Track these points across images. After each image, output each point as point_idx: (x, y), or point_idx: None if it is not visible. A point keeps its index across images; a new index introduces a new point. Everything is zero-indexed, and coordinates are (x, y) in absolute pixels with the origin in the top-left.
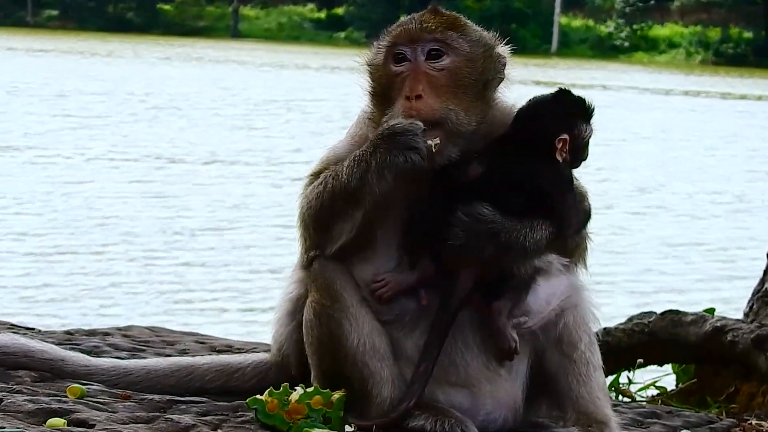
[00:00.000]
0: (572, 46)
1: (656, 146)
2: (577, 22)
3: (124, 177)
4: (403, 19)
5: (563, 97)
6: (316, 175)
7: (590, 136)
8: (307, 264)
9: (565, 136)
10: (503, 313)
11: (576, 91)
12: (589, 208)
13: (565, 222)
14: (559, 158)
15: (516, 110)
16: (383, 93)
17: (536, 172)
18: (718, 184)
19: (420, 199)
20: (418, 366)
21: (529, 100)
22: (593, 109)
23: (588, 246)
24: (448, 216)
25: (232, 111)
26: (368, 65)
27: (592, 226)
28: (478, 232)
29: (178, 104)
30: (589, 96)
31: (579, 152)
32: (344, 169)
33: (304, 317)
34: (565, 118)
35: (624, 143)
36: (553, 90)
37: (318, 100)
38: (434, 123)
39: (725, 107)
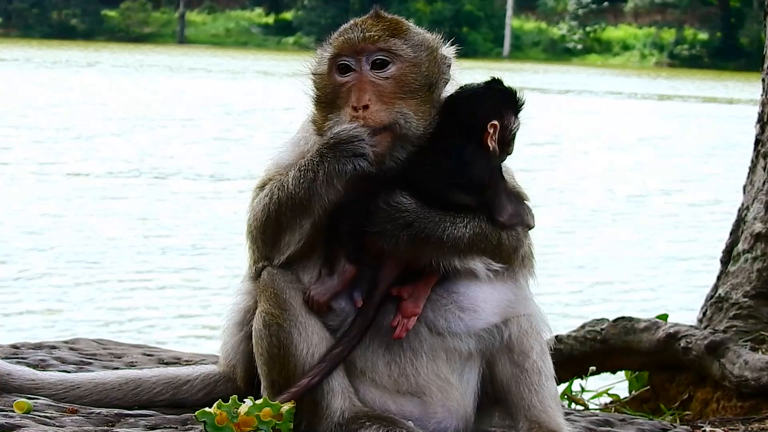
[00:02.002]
0: (525, 49)
1: (647, 154)
2: (530, 25)
3: (104, 193)
4: (345, 25)
5: (496, 85)
6: (261, 187)
7: (517, 130)
8: (256, 275)
9: (496, 122)
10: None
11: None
12: (531, 212)
13: (497, 210)
14: (489, 144)
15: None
16: (328, 101)
17: (466, 157)
18: (708, 194)
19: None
20: (334, 347)
21: (460, 87)
22: (523, 103)
23: (532, 254)
24: (370, 205)
25: (205, 122)
26: (313, 74)
27: (535, 233)
28: (394, 221)
29: (148, 115)
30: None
31: (506, 144)
32: (290, 179)
33: (253, 327)
34: (496, 105)
35: (605, 150)
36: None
37: (291, 108)
38: (383, 128)
39: (704, 112)
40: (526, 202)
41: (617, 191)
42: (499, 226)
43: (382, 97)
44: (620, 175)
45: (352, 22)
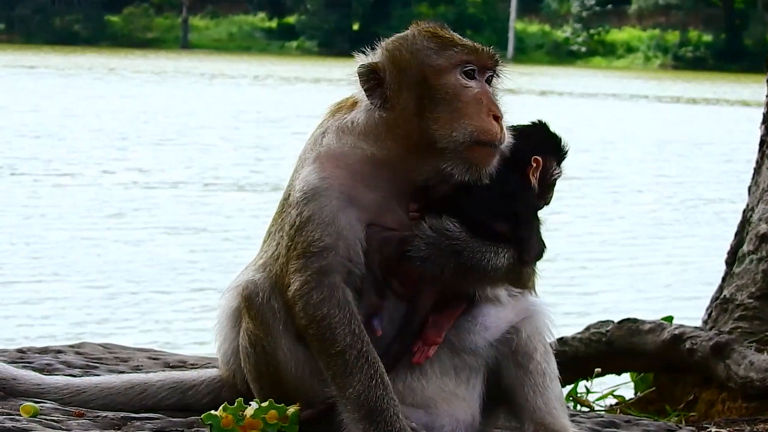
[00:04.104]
0: (528, 52)
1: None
2: (533, 28)
3: (151, 204)
4: (462, 38)
5: (543, 127)
6: None
7: (558, 177)
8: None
9: (539, 158)
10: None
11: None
12: (545, 245)
13: (527, 249)
14: (532, 179)
15: None
16: (441, 101)
17: (512, 187)
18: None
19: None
20: None
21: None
22: (566, 152)
23: (537, 274)
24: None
25: (243, 129)
26: (428, 66)
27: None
28: (442, 248)
29: (186, 123)
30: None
31: (545, 188)
32: None
33: (240, 343)
34: (541, 144)
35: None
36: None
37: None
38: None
39: (739, 115)
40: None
41: (675, 200)
42: (523, 264)
43: None
44: (675, 184)
45: (448, 31)
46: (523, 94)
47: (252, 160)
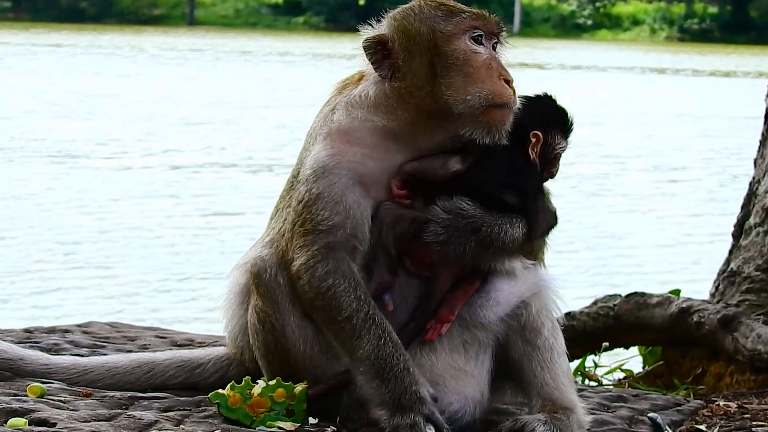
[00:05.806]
0: (534, 26)
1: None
2: (539, 1)
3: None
4: (466, 6)
5: (546, 101)
6: None
7: (563, 151)
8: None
9: (539, 133)
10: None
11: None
12: (555, 212)
13: (535, 223)
14: (531, 154)
15: None
16: (452, 67)
17: (515, 161)
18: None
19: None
20: None
21: None
22: (572, 125)
23: (547, 245)
24: (425, 212)
25: (276, 110)
26: (439, 32)
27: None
28: (460, 228)
29: (220, 102)
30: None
31: (549, 161)
32: None
33: (248, 320)
34: (542, 118)
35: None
36: (534, 93)
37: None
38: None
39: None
40: (551, 204)
41: (717, 177)
42: (531, 239)
43: None
44: (720, 159)
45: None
46: (547, 69)
47: (294, 141)
